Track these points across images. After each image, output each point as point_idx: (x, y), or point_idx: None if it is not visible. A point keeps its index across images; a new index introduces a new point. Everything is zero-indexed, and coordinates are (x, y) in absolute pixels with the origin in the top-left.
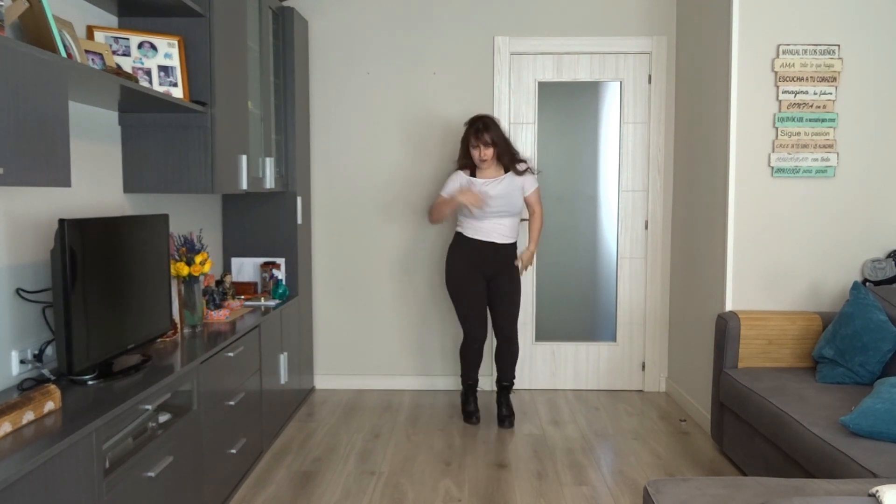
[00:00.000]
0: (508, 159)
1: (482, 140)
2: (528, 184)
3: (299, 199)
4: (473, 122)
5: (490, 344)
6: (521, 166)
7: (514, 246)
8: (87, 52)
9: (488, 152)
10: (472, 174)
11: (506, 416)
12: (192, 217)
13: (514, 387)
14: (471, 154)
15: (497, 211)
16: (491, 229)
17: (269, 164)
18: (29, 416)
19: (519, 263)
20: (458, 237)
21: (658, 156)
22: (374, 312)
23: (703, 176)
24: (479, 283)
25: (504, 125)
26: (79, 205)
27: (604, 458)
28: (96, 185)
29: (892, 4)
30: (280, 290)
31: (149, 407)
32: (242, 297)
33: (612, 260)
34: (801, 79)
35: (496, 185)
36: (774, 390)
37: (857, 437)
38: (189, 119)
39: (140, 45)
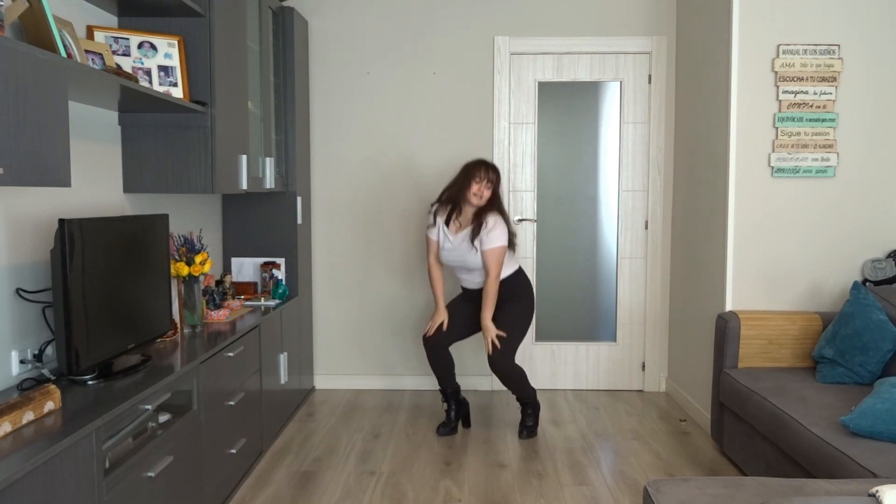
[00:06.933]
0: (486, 212)
1: (489, 176)
2: (486, 240)
3: (299, 199)
4: (483, 160)
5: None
6: (489, 221)
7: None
8: (87, 52)
9: (487, 192)
10: (450, 215)
11: (528, 427)
12: (192, 217)
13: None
14: (469, 187)
15: (456, 265)
16: (461, 277)
17: (269, 164)
18: (29, 416)
19: (494, 335)
20: None
21: (658, 156)
22: (374, 312)
23: (703, 176)
24: (466, 307)
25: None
26: (79, 205)
27: (604, 458)
28: (96, 185)
29: (891, 4)
30: (280, 290)
31: (149, 407)
32: (242, 297)
33: (612, 260)
34: (801, 79)
35: (457, 239)
36: (774, 390)
37: (857, 437)
38: (189, 119)
39: (140, 45)
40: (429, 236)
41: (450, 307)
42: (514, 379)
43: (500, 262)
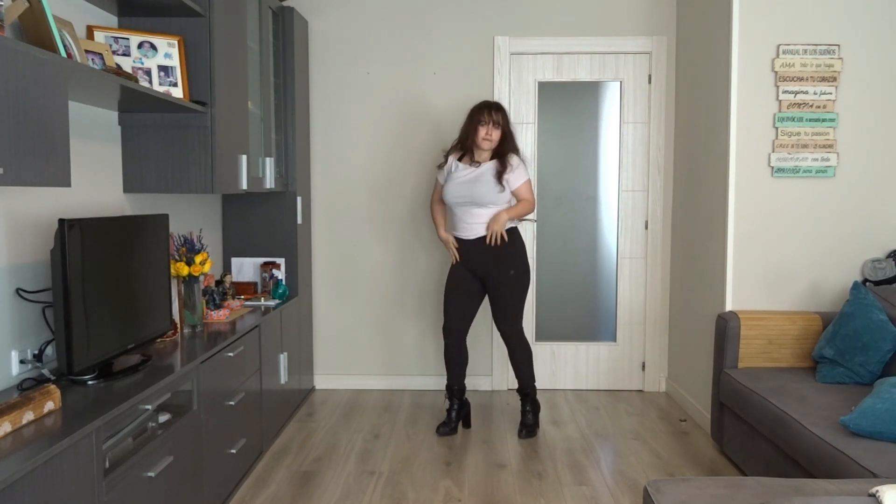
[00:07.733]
0: (504, 151)
1: (493, 118)
2: (514, 178)
3: (299, 199)
4: (486, 102)
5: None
6: (512, 162)
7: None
8: (87, 52)
9: (496, 133)
10: (461, 158)
11: (527, 426)
12: (192, 217)
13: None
14: (476, 132)
15: (461, 199)
16: (461, 221)
17: (269, 164)
18: (29, 416)
19: (491, 232)
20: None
21: (658, 156)
22: (374, 312)
23: (703, 176)
24: (466, 280)
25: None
26: (79, 205)
27: (604, 458)
28: (96, 185)
29: (891, 4)
30: (280, 290)
31: (149, 407)
32: (242, 297)
33: (612, 260)
34: (801, 79)
35: (470, 171)
36: (774, 390)
37: (857, 437)
38: (189, 119)
39: (140, 45)
40: (437, 179)
41: (450, 289)
42: (521, 352)
43: (532, 191)
